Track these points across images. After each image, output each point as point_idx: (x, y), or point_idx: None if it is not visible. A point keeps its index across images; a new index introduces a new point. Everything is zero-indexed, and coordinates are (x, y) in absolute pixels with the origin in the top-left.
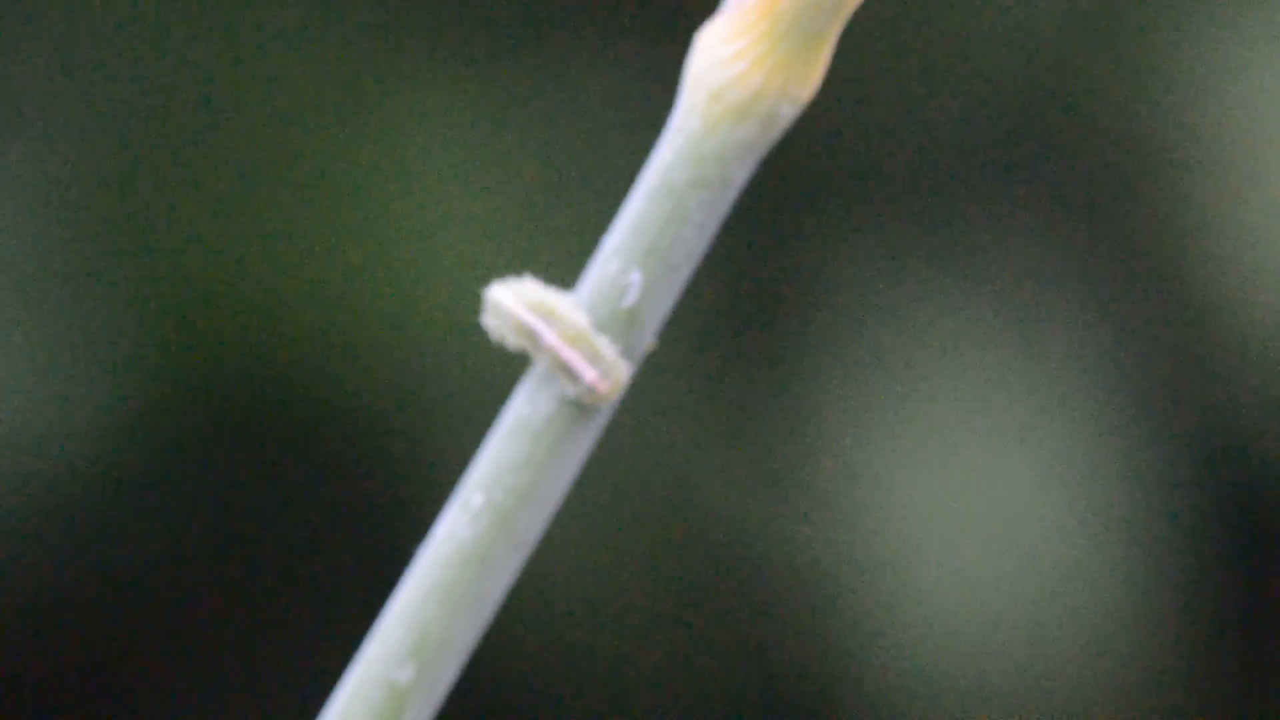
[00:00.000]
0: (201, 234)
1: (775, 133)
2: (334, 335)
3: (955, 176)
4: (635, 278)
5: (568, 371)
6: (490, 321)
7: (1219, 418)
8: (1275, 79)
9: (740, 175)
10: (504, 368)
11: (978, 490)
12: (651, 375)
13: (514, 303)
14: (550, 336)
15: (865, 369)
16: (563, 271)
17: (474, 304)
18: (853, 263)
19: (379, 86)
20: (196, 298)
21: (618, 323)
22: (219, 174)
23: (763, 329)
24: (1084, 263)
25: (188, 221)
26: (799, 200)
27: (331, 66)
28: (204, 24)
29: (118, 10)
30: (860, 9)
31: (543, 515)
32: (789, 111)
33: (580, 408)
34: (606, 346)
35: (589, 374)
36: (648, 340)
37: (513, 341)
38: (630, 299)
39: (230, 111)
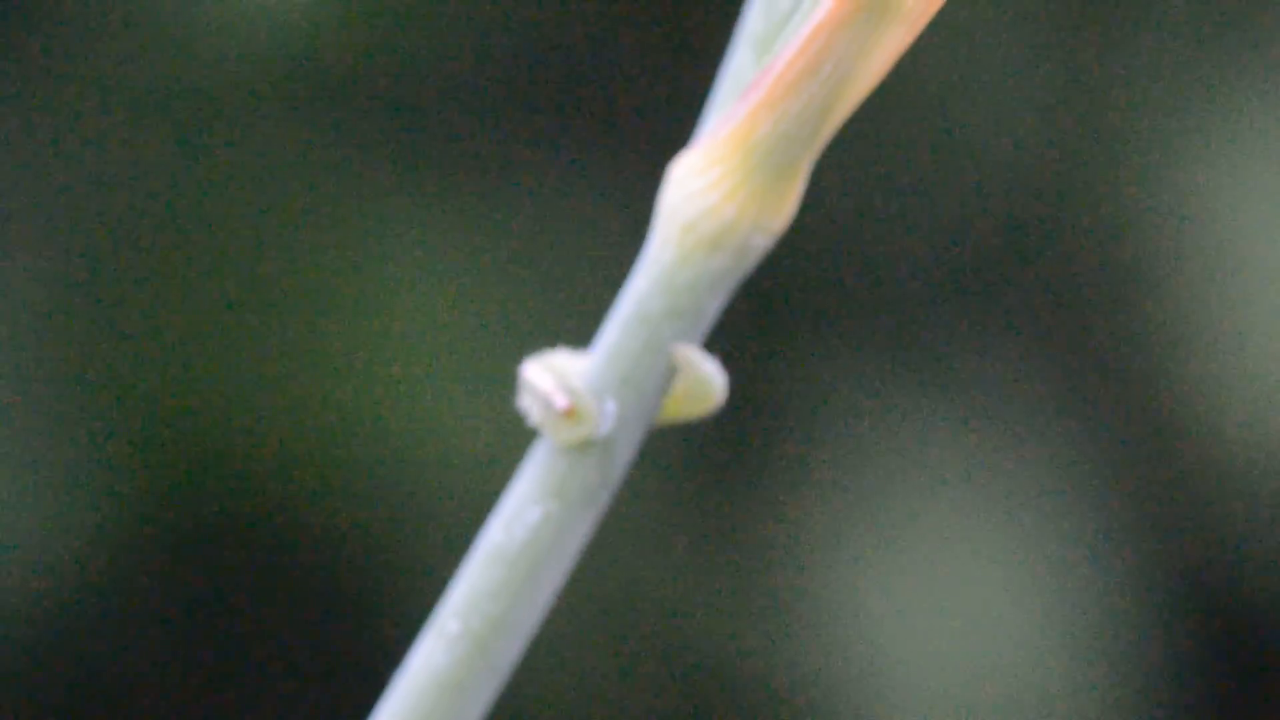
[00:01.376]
0: (177, 351)
1: (749, 263)
2: (311, 454)
3: (934, 294)
4: (610, 407)
5: (540, 399)
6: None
7: (1200, 533)
8: (1256, 199)
9: (713, 305)
10: (483, 486)
11: (958, 607)
12: (631, 496)
13: (532, 370)
14: (540, 379)
15: (846, 487)
16: None
17: (448, 423)
18: (833, 380)
19: (354, 208)
20: (172, 416)
21: (593, 451)
22: (195, 290)
23: (744, 447)
24: (1064, 380)
25: (164, 339)
26: (781, 318)
27: (306, 187)
28: (179, 145)
29: (90, 129)
30: (849, 126)
31: (520, 641)
32: (762, 242)
33: (561, 529)
34: (585, 392)
35: (560, 400)
36: (622, 470)
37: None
38: (605, 429)
39: (205, 231)
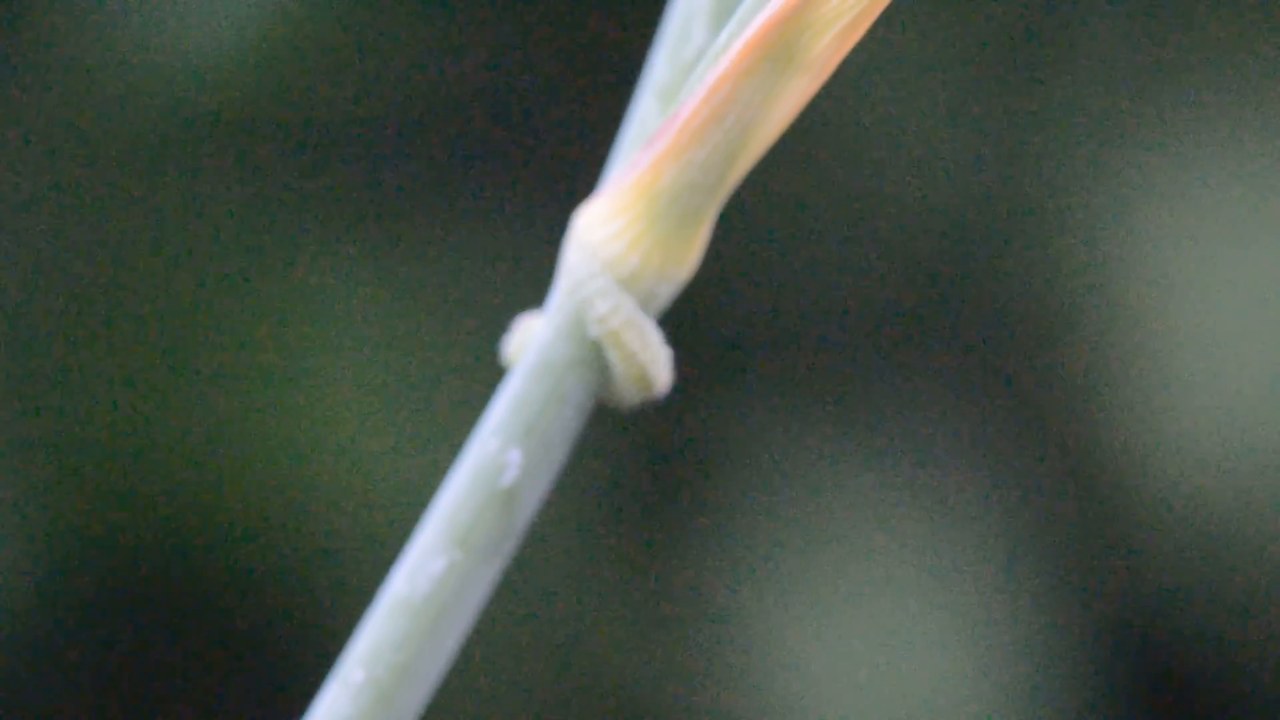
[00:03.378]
0: (105, 407)
1: (653, 312)
2: (229, 500)
3: (859, 343)
4: (514, 456)
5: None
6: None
7: (1127, 586)
8: (1178, 240)
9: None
10: (407, 532)
11: (882, 656)
12: (548, 542)
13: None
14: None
15: (769, 536)
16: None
17: (371, 468)
18: (756, 428)
19: (280, 255)
20: (97, 471)
21: (496, 501)
22: (124, 346)
23: (663, 495)
24: (990, 431)
25: (94, 395)
26: (706, 362)
27: (233, 233)
28: (111, 200)
29: (16, 176)
30: (772, 174)
31: (424, 690)
32: (666, 291)
33: (465, 578)
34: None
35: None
36: (527, 519)
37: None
38: (509, 477)
39: (131, 276)
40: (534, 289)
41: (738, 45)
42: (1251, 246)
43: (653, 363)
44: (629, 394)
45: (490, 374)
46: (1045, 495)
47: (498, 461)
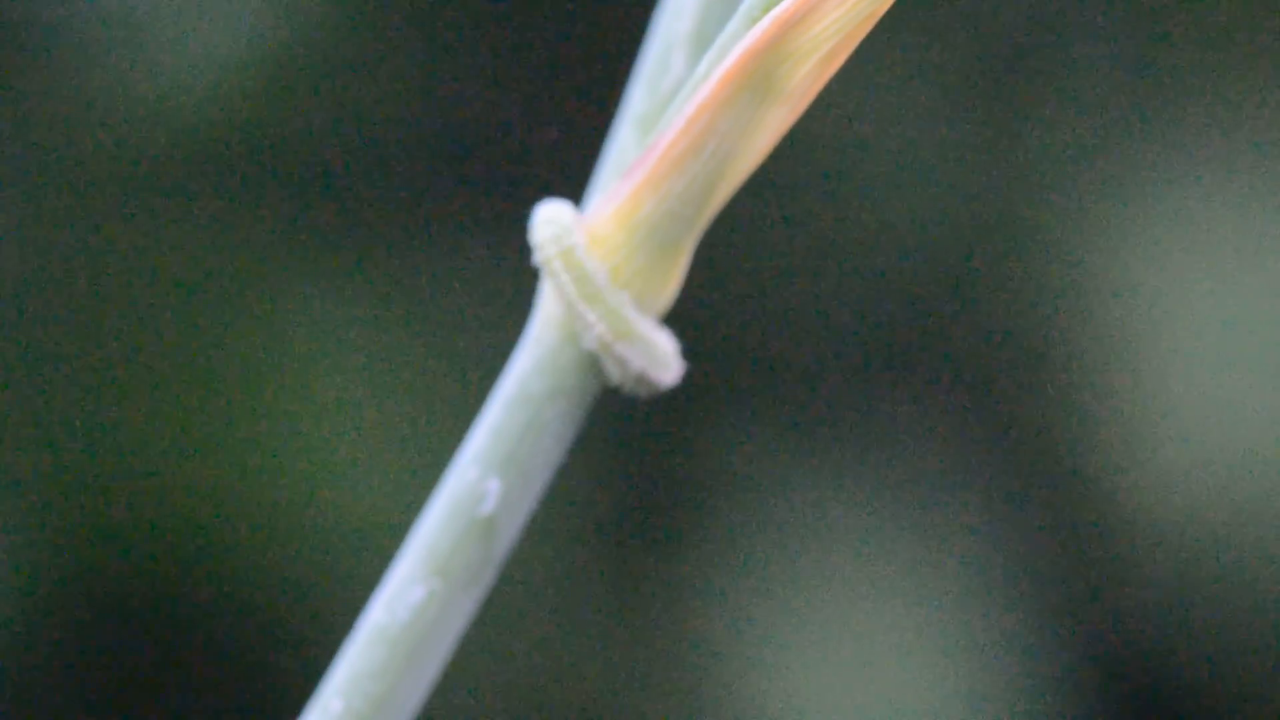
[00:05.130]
0: (91, 431)
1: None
2: (208, 533)
3: (846, 369)
4: (493, 485)
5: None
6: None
7: (1116, 610)
8: (1173, 270)
9: (596, 386)
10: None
11: (873, 685)
12: (531, 568)
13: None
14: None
15: (757, 564)
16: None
17: (355, 496)
18: (743, 456)
19: (263, 281)
20: (74, 500)
21: (475, 530)
22: (112, 371)
23: (649, 523)
24: (979, 456)
25: (82, 418)
26: (687, 394)
27: (217, 260)
28: (100, 223)
29: (14, 206)
30: (755, 204)
31: (403, 719)
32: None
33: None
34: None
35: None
36: (506, 548)
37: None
38: (488, 506)
39: (124, 308)
40: (518, 315)
41: (716, 75)
42: (1237, 269)
43: (651, 367)
44: (639, 391)
45: (474, 400)
46: (1036, 522)
47: (476, 491)
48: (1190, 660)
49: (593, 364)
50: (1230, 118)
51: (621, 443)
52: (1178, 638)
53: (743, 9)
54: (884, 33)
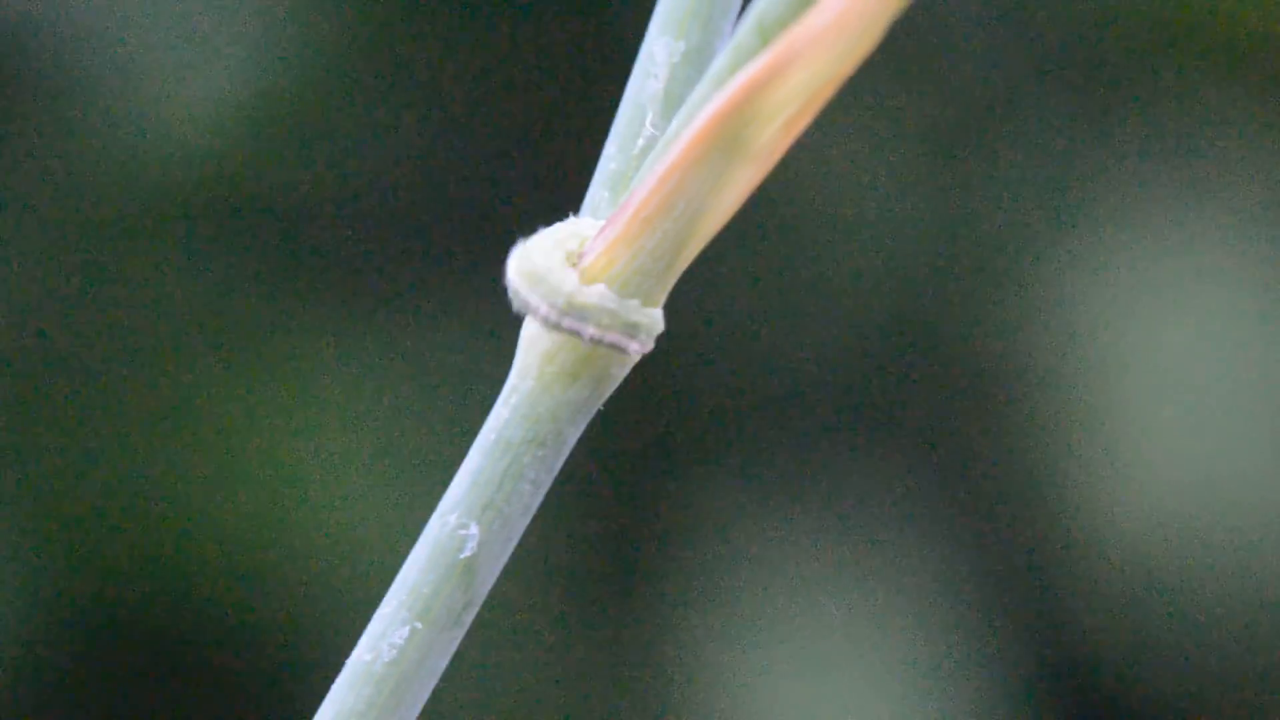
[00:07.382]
0: (96, 468)
1: (608, 390)
2: (200, 576)
3: (815, 418)
4: (473, 530)
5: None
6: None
7: (1068, 638)
8: (1137, 318)
9: (573, 433)
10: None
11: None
12: (512, 610)
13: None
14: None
15: (725, 602)
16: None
17: (348, 536)
18: (712, 496)
19: (265, 332)
20: (87, 529)
21: (456, 574)
22: (117, 411)
23: (624, 568)
24: (939, 496)
25: (85, 456)
26: (660, 443)
27: (221, 310)
28: (99, 275)
29: (13, 258)
30: (729, 250)
31: None
32: (620, 372)
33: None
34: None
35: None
36: (485, 591)
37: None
38: (468, 551)
39: (122, 358)
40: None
41: (686, 135)
42: (1199, 316)
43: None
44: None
45: (460, 447)
46: (1000, 554)
47: (457, 536)
48: (1149, 678)
49: (570, 412)
50: (1200, 168)
51: (592, 491)
52: (1138, 662)
53: (711, 71)
54: (849, 91)
